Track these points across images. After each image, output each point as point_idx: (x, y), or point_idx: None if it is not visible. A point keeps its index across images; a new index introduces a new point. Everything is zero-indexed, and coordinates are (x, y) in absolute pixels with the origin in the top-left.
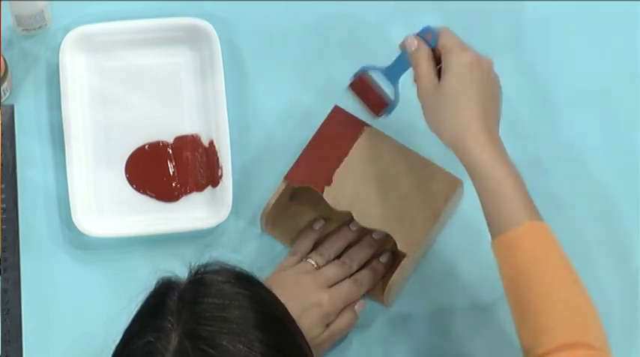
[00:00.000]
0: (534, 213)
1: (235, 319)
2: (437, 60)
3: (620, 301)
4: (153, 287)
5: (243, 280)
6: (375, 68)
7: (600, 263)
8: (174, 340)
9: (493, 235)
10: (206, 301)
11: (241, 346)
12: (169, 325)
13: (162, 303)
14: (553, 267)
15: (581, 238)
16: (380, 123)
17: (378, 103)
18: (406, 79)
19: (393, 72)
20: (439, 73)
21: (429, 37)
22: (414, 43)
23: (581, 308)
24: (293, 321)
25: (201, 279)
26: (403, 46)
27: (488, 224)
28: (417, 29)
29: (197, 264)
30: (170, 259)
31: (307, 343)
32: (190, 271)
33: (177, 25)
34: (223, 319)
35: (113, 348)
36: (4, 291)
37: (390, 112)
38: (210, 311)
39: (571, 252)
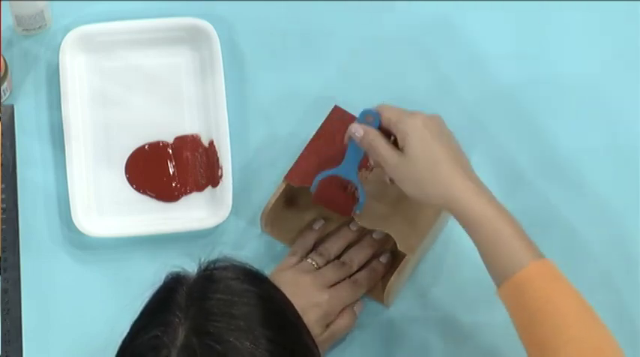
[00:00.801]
0: (536, 252)
1: (242, 315)
2: (386, 136)
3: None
4: (162, 282)
5: (252, 277)
6: (328, 173)
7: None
8: (180, 334)
9: (498, 283)
10: (214, 297)
11: (248, 343)
12: (177, 320)
13: (171, 298)
14: (565, 303)
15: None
16: None
17: (347, 204)
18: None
19: (349, 166)
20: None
21: (369, 119)
22: (359, 130)
23: (599, 341)
24: (300, 318)
25: (210, 275)
26: (349, 137)
27: (491, 273)
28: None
29: (206, 260)
30: (170, 259)
31: (314, 341)
32: (200, 267)
33: (177, 25)
34: (231, 316)
35: (119, 342)
36: (4, 291)
37: (360, 206)
38: (217, 307)
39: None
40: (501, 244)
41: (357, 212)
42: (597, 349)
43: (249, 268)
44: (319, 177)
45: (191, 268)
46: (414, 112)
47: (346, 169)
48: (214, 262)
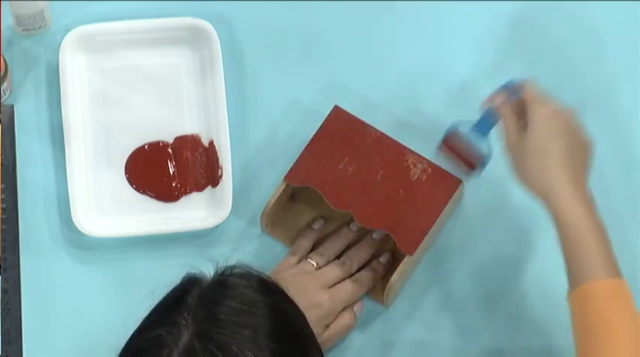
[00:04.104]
0: (614, 270)
1: (250, 325)
2: (524, 112)
3: None
4: (179, 281)
5: (266, 288)
6: (463, 124)
7: None
8: (185, 337)
9: (570, 286)
10: (224, 304)
11: (250, 354)
12: (183, 322)
13: (182, 299)
14: (622, 330)
15: None
16: (380, 124)
17: (471, 160)
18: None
19: (482, 127)
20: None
21: (513, 89)
22: (498, 98)
23: None
24: (311, 335)
25: (224, 280)
26: (489, 101)
27: (568, 273)
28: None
29: (224, 264)
30: (170, 259)
31: (322, 355)
32: (216, 271)
33: (177, 25)
34: (237, 324)
35: (120, 341)
36: (4, 291)
37: (483, 167)
38: (226, 314)
39: None
40: (583, 252)
41: (480, 171)
42: None
43: (264, 277)
44: (453, 125)
45: (216, 268)
46: (547, 101)
47: (479, 128)
48: (231, 267)
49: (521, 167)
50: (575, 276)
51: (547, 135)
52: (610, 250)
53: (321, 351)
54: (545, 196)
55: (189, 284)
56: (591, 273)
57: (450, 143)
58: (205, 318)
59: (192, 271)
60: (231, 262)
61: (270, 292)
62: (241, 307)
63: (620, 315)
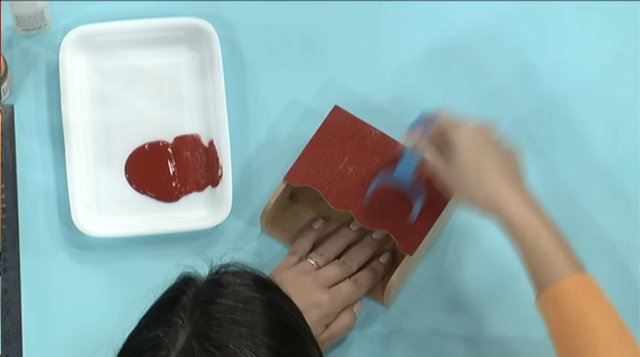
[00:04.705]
0: (577, 266)
1: (246, 322)
2: (443, 140)
3: None
4: (173, 281)
5: (261, 285)
6: (386, 180)
7: None
8: (182, 337)
9: (537, 293)
10: (219, 302)
11: (247, 351)
12: (180, 322)
13: (178, 299)
14: (598, 321)
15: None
16: (380, 124)
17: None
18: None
19: (405, 172)
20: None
21: (425, 122)
22: (414, 134)
23: None
24: (308, 331)
25: (219, 279)
26: (406, 141)
27: (531, 283)
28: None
29: (218, 263)
30: (170, 259)
31: (319, 352)
32: (211, 270)
33: (177, 25)
34: (233, 322)
35: (120, 340)
36: (4, 291)
37: (417, 212)
38: (221, 312)
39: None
40: (542, 255)
41: (415, 216)
42: None
43: (259, 275)
44: (376, 184)
45: (210, 267)
46: (462, 122)
47: (401, 175)
48: (225, 266)
49: (461, 188)
50: (540, 281)
51: (475, 151)
52: (568, 247)
53: (319, 348)
54: (492, 209)
55: (184, 284)
56: (556, 274)
57: (374, 206)
58: (201, 317)
59: (187, 270)
60: (226, 260)
61: (265, 288)
62: (237, 305)
63: (593, 307)
